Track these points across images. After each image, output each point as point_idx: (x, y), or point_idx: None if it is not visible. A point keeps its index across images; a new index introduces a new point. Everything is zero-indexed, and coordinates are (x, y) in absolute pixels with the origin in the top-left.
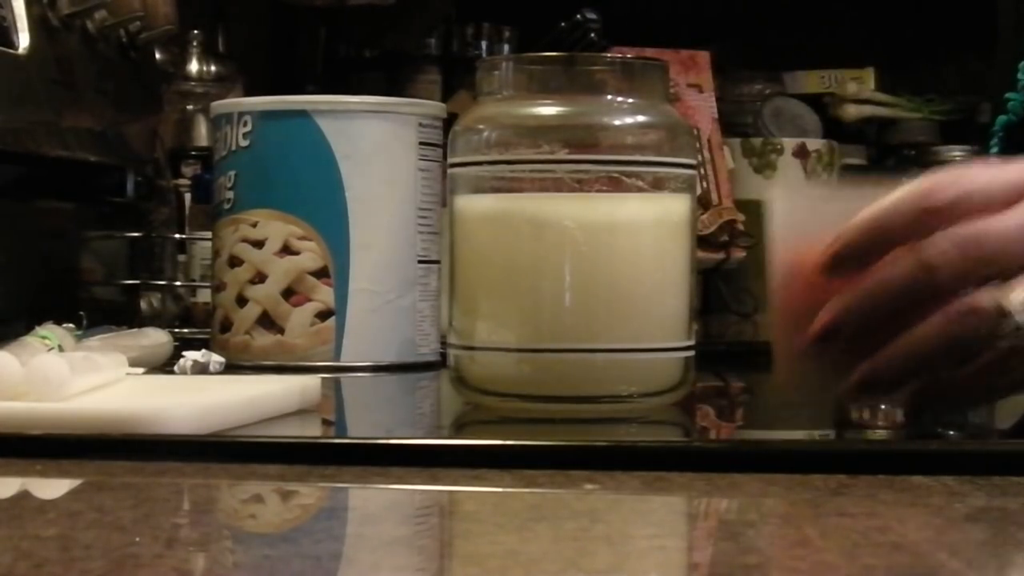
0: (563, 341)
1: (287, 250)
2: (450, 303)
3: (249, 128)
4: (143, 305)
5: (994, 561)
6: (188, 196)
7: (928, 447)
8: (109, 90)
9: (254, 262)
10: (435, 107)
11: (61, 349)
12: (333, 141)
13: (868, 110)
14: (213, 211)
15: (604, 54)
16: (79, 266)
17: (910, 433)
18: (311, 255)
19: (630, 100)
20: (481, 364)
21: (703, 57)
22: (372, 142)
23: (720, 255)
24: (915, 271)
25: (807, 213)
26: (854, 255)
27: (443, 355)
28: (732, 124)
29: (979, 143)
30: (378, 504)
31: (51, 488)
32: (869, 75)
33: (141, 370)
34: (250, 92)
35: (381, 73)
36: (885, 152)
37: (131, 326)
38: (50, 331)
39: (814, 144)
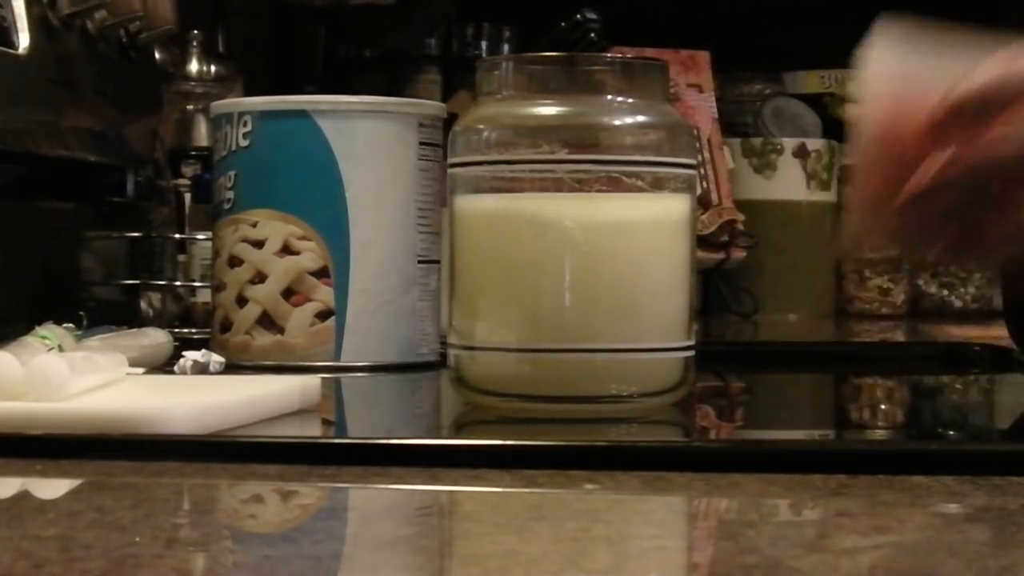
0: (563, 341)
1: (287, 250)
2: (450, 303)
3: (249, 128)
4: (143, 305)
5: (994, 561)
6: (188, 196)
7: (928, 447)
8: (109, 90)
9: (254, 262)
10: (435, 107)
11: (61, 349)
12: (333, 141)
13: None
14: (213, 211)
15: (604, 54)
16: (79, 266)
17: (910, 433)
18: (311, 255)
19: (630, 100)
20: (481, 364)
21: (703, 57)
22: (372, 142)
23: (720, 255)
24: None
25: (904, 75)
26: (963, 121)
27: (443, 355)
28: (732, 124)
29: None
30: (378, 504)
31: (51, 488)
32: None
33: (141, 370)
34: (250, 92)
35: (381, 73)
36: None
37: (131, 326)
38: (50, 331)
39: (814, 144)
